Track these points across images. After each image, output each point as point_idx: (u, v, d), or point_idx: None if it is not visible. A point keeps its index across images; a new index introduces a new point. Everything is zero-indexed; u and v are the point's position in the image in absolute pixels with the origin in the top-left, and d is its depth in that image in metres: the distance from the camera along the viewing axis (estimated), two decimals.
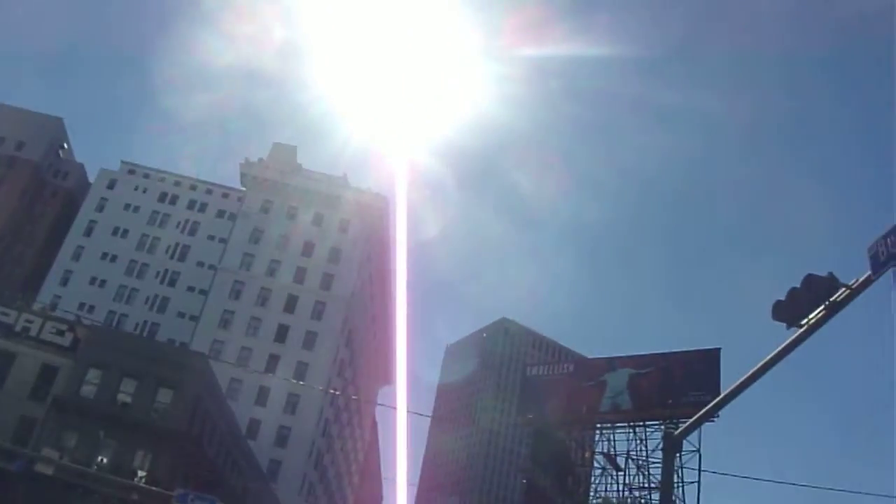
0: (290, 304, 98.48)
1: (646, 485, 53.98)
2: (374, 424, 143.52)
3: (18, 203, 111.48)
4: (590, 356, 75.44)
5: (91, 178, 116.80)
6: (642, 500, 53.83)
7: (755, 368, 18.30)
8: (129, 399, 56.77)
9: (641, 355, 58.92)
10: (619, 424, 56.04)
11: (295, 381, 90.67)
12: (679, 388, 53.06)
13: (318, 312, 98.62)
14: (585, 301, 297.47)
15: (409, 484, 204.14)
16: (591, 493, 58.54)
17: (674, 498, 52.24)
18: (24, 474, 49.60)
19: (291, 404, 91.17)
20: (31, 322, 60.75)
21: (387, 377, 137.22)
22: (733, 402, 19.83)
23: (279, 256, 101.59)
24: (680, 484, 51.72)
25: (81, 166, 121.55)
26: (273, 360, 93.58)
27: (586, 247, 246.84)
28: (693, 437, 52.30)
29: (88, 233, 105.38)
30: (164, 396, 57.37)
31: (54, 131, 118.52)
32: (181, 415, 56.24)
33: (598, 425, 57.09)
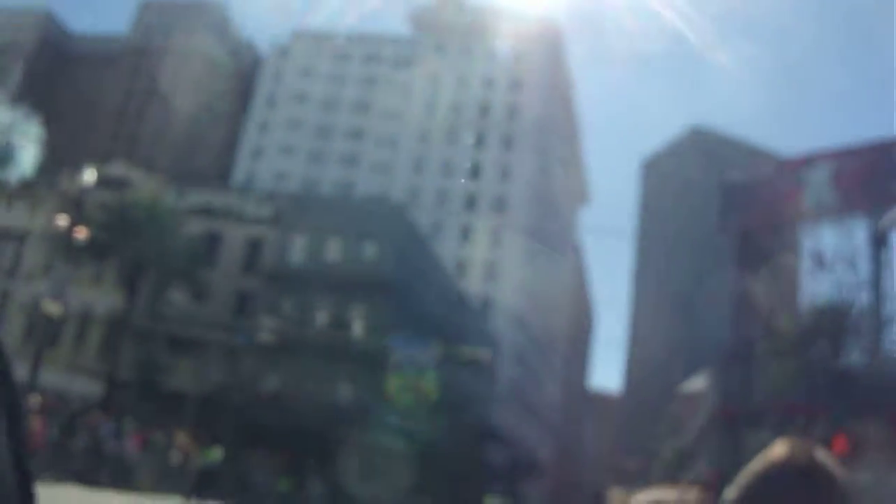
0: (480, 140, 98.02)
1: (856, 281, 51.81)
2: (577, 250, 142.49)
3: (198, 90, 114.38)
4: (789, 155, 71.75)
5: (262, 52, 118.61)
6: (853, 298, 51.80)
7: None
8: (335, 257, 57.83)
9: (842, 147, 55.93)
10: (823, 221, 53.68)
11: (495, 214, 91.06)
12: (884, 179, 50.00)
13: (508, 144, 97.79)
14: (780, 96, 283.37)
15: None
16: (801, 295, 56.82)
17: (884, 293, 50.15)
18: (248, 344, 51.69)
19: (495, 240, 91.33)
20: (231, 200, 62.69)
21: (582, 196, 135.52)
22: None
23: (461, 96, 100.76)
24: (890, 278, 49.54)
25: (251, 43, 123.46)
26: (470, 198, 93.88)
27: (777, 39, 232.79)
28: None
29: (271, 104, 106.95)
30: (370, 249, 57.97)
31: (217, 15, 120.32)
32: (388, 265, 56.85)
33: (803, 224, 54.95)
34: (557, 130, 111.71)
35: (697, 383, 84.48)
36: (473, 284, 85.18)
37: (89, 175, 38.85)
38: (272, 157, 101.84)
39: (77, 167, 43.52)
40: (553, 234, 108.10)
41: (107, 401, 46.38)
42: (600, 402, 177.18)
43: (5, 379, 1.62)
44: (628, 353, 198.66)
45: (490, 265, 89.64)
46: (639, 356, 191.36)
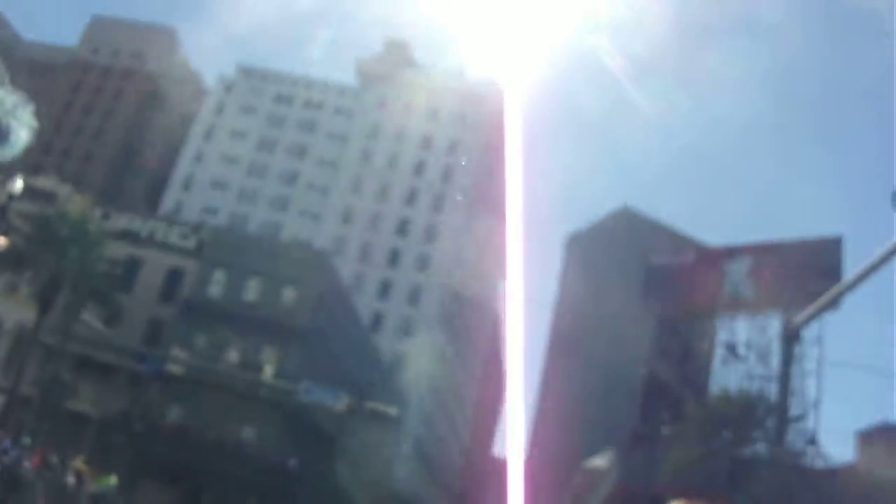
0: (411, 198, 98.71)
1: (766, 374, 53.26)
2: (498, 319, 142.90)
3: (137, 114, 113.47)
4: (711, 244, 73.74)
5: (206, 85, 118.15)
6: (762, 390, 53.17)
7: (877, 257, 17.26)
8: (254, 297, 57.83)
9: (762, 243, 57.69)
10: (740, 313, 55.16)
11: (417, 272, 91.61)
12: (800, 277, 51.70)
13: (438, 205, 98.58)
14: (706, 186, 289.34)
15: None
16: (712, 383, 58.07)
17: (793, 388, 51.61)
18: (156, 374, 51.30)
19: (414, 297, 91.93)
20: (156, 228, 62.34)
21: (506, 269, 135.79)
22: (859, 291, 18.87)
23: (397, 151, 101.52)
24: (800, 374, 50.95)
25: (197, 74, 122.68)
26: (394, 254, 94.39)
27: (707, 132, 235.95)
28: (815, 326, 51.24)
29: (208, 137, 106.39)
30: (289, 294, 58.16)
31: (168, 41, 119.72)
32: (305, 311, 57.00)
33: (720, 314, 56.32)
34: (490, 195, 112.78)
35: (601, 459, 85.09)
36: (388, 340, 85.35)
37: (17, 184, 38.47)
38: (203, 190, 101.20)
39: (5, 174, 43.04)
40: (473, 298, 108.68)
41: (6, 416, 45.58)
42: (504, 468, 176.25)
43: None
44: (535, 424, 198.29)
45: (407, 322, 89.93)
46: (545, 427, 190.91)
